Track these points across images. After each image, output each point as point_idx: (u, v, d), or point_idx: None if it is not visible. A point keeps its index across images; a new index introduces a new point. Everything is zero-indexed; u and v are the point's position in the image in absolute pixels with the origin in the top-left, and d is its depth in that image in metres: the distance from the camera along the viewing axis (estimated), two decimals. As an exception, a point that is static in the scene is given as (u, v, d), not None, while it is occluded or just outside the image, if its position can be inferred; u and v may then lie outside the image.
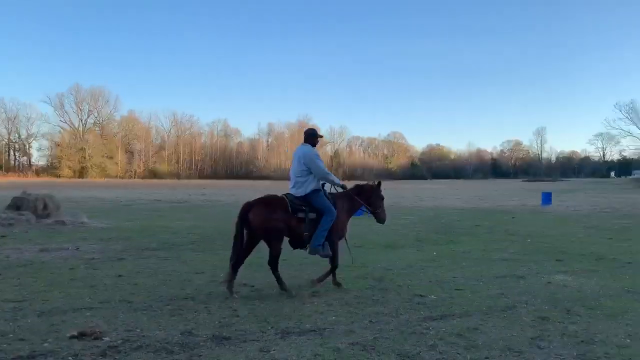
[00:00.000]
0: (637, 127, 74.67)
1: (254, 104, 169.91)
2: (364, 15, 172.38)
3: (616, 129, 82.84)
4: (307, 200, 6.31)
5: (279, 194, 6.49)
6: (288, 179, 6.82)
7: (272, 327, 4.74)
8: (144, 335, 4.44)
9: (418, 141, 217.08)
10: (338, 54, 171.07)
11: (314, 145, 6.66)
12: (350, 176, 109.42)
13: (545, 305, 5.73)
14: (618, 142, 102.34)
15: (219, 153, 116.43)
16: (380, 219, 7.04)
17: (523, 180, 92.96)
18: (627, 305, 5.72)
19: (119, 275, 7.12)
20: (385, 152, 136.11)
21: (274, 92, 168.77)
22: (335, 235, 6.45)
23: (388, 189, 52.80)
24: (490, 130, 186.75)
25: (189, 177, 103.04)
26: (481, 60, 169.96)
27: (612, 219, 18.60)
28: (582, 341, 4.44)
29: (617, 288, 6.67)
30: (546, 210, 23.40)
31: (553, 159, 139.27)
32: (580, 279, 7.20)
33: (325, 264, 6.92)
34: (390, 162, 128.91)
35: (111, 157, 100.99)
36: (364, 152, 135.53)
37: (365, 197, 6.93)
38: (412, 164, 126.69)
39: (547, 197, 27.80)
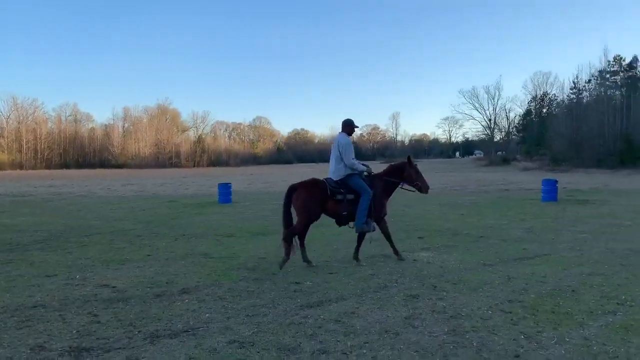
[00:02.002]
0: (478, 111, 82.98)
1: (107, 87, 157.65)
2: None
3: (460, 112, 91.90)
4: (345, 183, 7.01)
5: (321, 178, 7.20)
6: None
7: (139, 332, 4.32)
8: (-18, 356, 3.78)
9: (283, 126, 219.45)
10: (199, 36, 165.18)
11: (349, 134, 7.31)
12: (215, 162, 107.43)
13: (414, 283, 5.98)
14: (462, 125, 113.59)
15: (68, 140, 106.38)
16: (422, 189, 7.47)
17: (381, 162, 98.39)
18: (485, 278, 6.18)
19: (-52, 286, 6.07)
20: (251, 137, 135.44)
21: (129, 75, 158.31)
22: (378, 214, 7.17)
23: (255, 174, 52.45)
24: (351, 115, 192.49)
25: (34, 167, 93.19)
26: (340, 46, 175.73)
27: (461, 195, 20.38)
28: (451, 316, 4.67)
29: (474, 262, 7.20)
30: (403, 190, 24.92)
31: (407, 141, 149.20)
32: (442, 255, 7.68)
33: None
34: (256, 147, 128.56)
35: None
36: (229, 138, 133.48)
37: (399, 174, 7.50)
38: (279, 149, 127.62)
39: (404, 178, 29.69)
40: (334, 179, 7.06)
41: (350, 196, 6.96)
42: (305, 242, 7.12)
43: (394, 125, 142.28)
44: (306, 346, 3.95)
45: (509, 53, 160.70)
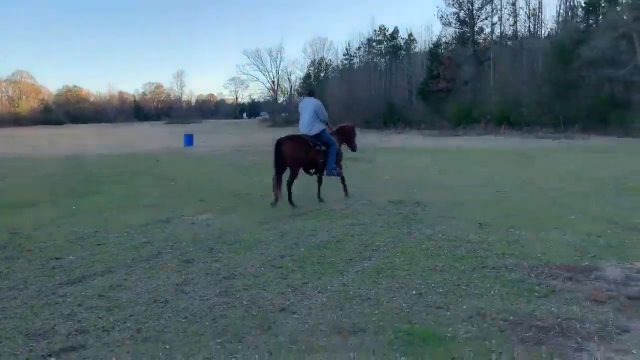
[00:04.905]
0: (262, 73, 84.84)
1: None
2: None
3: (245, 74, 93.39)
4: (318, 137, 8.50)
5: (299, 134, 8.62)
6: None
7: None
8: None
9: (51, 82, 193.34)
10: None
11: (315, 97, 8.89)
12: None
13: (190, 247, 5.86)
14: (247, 87, 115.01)
15: None
16: (354, 149, 9.84)
17: (165, 123, 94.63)
18: (261, 236, 6.35)
19: None
20: (11, 94, 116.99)
21: None
22: (338, 159, 8.92)
23: (17, 136, 45.87)
24: (130, 72, 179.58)
25: None
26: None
27: (246, 156, 20.71)
28: (224, 277, 4.69)
29: (253, 221, 7.34)
30: (188, 152, 24.40)
31: (193, 101, 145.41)
32: (222, 217, 7.66)
33: None
34: (18, 106, 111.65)
35: None
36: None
37: (347, 135, 9.62)
38: (46, 108, 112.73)
39: (189, 139, 28.97)
40: (310, 134, 8.47)
41: (323, 147, 8.49)
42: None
43: (178, 84, 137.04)
44: (61, 328, 3.56)
45: (290, 18, 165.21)
